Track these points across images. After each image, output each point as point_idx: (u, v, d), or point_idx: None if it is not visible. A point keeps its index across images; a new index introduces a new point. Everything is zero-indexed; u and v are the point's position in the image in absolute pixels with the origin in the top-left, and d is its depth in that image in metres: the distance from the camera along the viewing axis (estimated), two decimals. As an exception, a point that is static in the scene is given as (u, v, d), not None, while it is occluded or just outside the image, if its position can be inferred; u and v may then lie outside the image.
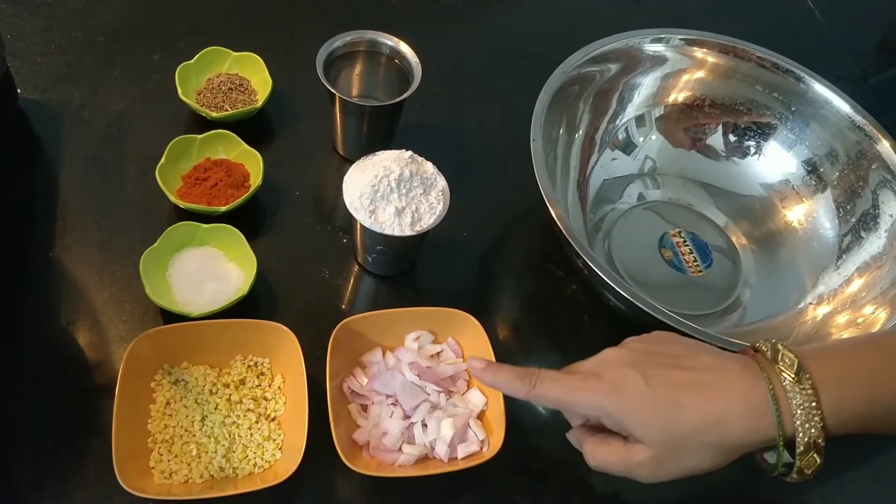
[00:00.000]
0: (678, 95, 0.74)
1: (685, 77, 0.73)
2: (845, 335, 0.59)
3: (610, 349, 0.46)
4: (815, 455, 0.41)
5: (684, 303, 0.67)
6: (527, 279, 0.70)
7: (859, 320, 0.60)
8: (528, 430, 0.59)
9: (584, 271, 0.59)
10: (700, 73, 0.73)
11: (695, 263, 0.70)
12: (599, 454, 0.46)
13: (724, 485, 0.59)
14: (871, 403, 0.41)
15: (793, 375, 0.41)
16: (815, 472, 0.42)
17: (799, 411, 0.40)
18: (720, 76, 0.73)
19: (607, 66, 0.70)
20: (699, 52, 0.73)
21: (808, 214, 0.71)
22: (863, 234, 0.67)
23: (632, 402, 0.42)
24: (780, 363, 0.42)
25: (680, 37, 0.72)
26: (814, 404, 0.40)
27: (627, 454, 0.44)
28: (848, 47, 0.99)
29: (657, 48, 0.72)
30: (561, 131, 0.68)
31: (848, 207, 0.68)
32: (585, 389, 0.43)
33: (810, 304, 0.65)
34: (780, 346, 0.42)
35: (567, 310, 0.67)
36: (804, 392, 0.40)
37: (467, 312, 0.58)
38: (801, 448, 0.41)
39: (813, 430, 0.40)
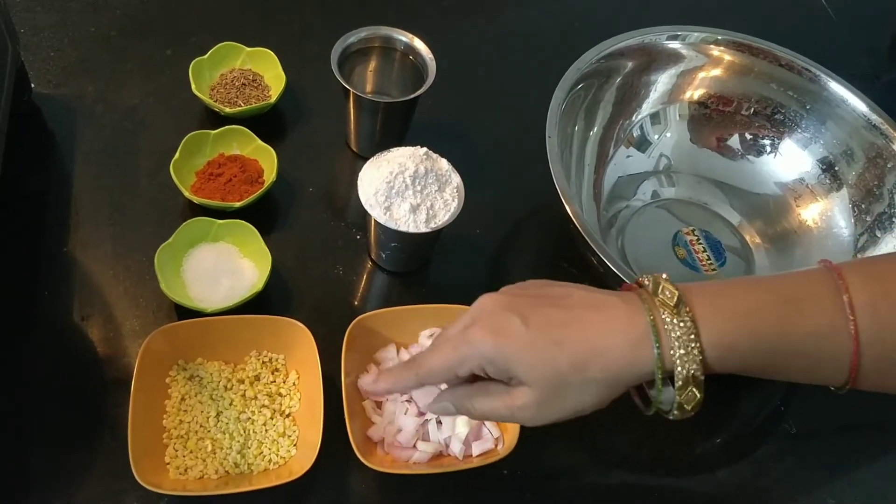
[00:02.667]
0: (693, 93, 0.74)
1: (701, 74, 0.73)
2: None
3: (486, 296, 0.44)
4: (694, 389, 0.40)
5: (697, 301, 0.67)
6: (540, 276, 0.69)
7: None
8: (542, 428, 0.58)
9: (598, 268, 0.58)
10: (716, 71, 0.73)
11: (708, 262, 0.70)
12: (481, 403, 0.44)
13: (732, 485, 0.59)
14: (753, 339, 0.40)
15: (672, 308, 0.40)
16: (696, 407, 0.41)
17: (677, 343, 0.39)
18: (736, 74, 0.73)
19: (623, 62, 0.70)
20: (715, 50, 0.72)
21: (823, 213, 0.70)
22: (878, 233, 0.66)
23: (513, 345, 0.41)
24: (661, 295, 0.41)
25: (696, 34, 0.72)
26: (692, 337, 0.39)
27: (510, 399, 0.42)
28: (861, 45, 0.98)
29: (673, 45, 0.71)
30: (576, 128, 0.68)
31: (864, 207, 0.68)
32: (467, 344, 0.42)
33: (825, 303, 0.65)
34: (661, 280, 0.42)
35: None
36: (683, 324, 0.40)
37: (480, 309, 0.58)
38: (681, 381, 0.40)
39: (691, 364, 0.40)
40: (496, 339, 0.41)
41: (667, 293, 0.40)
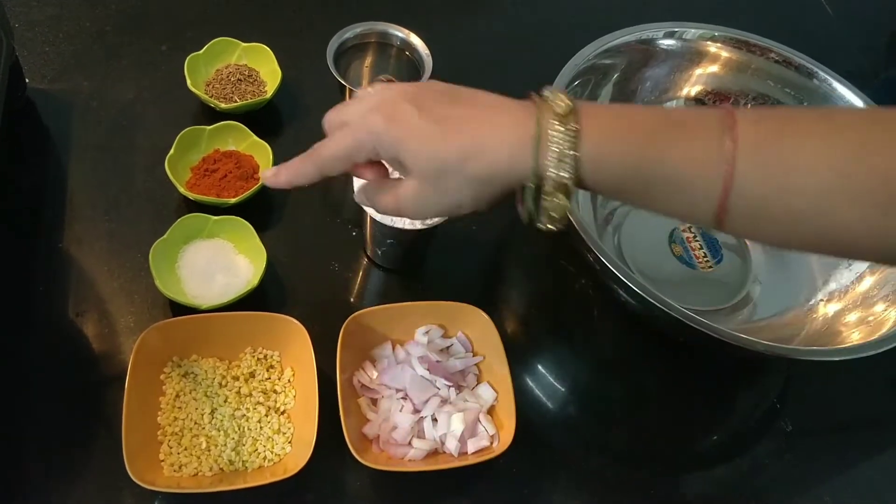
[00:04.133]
0: (690, 89, 0.73)
1: (698, 71, 0.73)
2: (856, 334, 0.59)
3: (392, 85, 0.45)
4: (561, 197, 0.41)
5: (694, 298, 0.67)
6: (536, 273, 0.69)
7: (870, 318, 0.60)
8: (538, 425, 0.59)
9: (594, 266, 0.58)
10: (713, 68, 0.73)
11: (705, 259, 0.70)
12: (374, 197, 0.46)
13: (728, 483, 0.59)
14: (630, 155, 0.41)
15: (562, 116, 0.40)
16: (561, 218, 0.42)
17: (556, 150, 0.40)
18: (732, 71, 0.72)
19: (620, 59, 0.70)
20: (712, 47, 0.72)
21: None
22: (875, 230, 0.66)
23: (403, 131, 0.42)
24: (554, 104, 0.41)
25: (693, 30, 0.71)
26: (572, 145, 0.40)
27: (395, 190, 0.44)
28: (858, 42, 0.98)
29: (670, 42, 0.71)
30: (572, 125, 0.68)
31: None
32: (362, 129, 0.43)
33: (821, 300, 0.65)
34: (560, 92, 0.42)
35: (576, 304, 0.67)
36: (567, 132, 0.40)
37: (476, 305, 0.58)
38: (549, 186, 0.41)
39: (564, 171, 0.40)
40: (388, 125, 0.42)
41: (560, 103, 0.41)
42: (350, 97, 0.66)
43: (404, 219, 0.57)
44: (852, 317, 0.61)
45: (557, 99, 0.41)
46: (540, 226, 0.43)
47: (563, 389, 0.62)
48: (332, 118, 0.46)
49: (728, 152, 0.39)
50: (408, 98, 0.43)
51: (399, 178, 0.45)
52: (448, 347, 0.59)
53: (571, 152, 0.40)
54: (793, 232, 0.41)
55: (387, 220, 0.57)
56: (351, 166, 0.46)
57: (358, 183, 0.58)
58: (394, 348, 0.58)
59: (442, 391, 0.56)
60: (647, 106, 0.44)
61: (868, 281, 0.63)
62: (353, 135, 0.44)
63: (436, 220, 0.58)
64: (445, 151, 0.41)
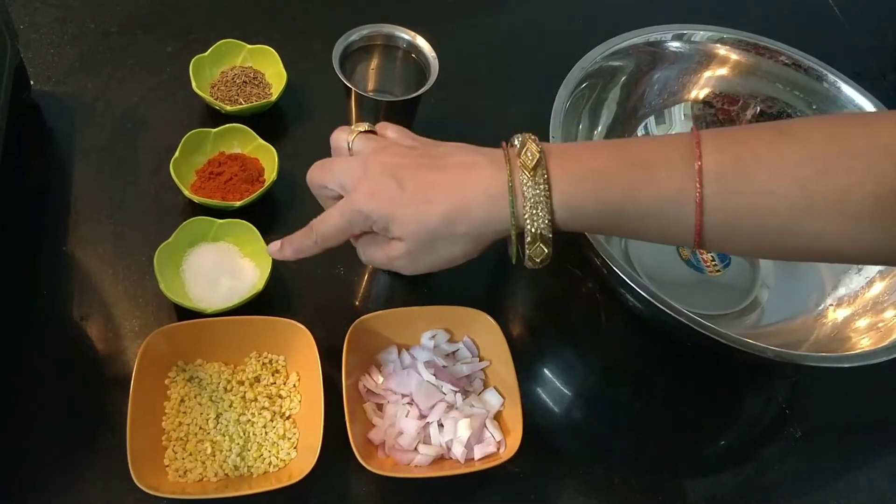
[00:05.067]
0: (699, 92, 0.73)
1: (706, 74, 0.72)
2: (866, 340, 0.58)
3: (371, 157, 0.48)
4: (542, 245, 0.45)
5: (701, 302, 0.66)
6: (542, 277, 0.69)
7: (880, 324, 0.59)
8: (545, 430, 0.59)
9: (601, 270, 0.58)
10: (721, 70, 0.72)
11: (713, 263, 0.69)
12: (368, 251, 0.50)
13: (735, 487, 0.59)
14: (600, 202, 0.43)
15: (531, 170, 0.43)
16: (545, 260, 0.46)
17: (530, 204, 0.43)
18: (741, 73, 0.72)
19: (628, 61, 0.69)
20: (721, 49, 0.71)
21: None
22: (885, 235, 0.66)
23: (389, 206, 0.45)
24: (523, 157, 0.44)
25: (701, 33, 0.71)
26: (545, 198, 0.43)
27: (388, 249, 0.48)
28: (867, 43, 0.98)
29: (678, 44, 0.71)
30: (580, 127, 0.67)
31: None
32: (350, 209, 0.47)
33: (830, 306, 0.65)
34: (528, 140, 0.45)
35: (583, 308, 0.67)
36: (537, 186, 0.43)
37: (482, 309, 0.57)
38: (529, 238, 0.44)
39: (540, 223, 0.43)
40: (374, 203, 0.46)
41: (528, 155, 0.44)
42: (355, 100, 0.65)
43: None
44: (862, 322, 0.61)
45: (526, 150, 0.44)
46: (526, 265, 0.47)
47: (569, 394, 0.62)
48: (315, 179, 0.50)
49: (696, 185, 0.42)
50: (387, 171, 0.46)
51: (386, 239, 0.48)
52: (454, 352, 0.58)
53: (545, 204, 0.43)
54: (768, 245, 0.44)
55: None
56: (346, 238, 0.50)
57: None
58: (399, 353, 0.58)
59: (448, 396, 0.55)
60: (612, 142, 0.48)
61: (878, 286, 0.63)
62: (342, 214, 0.47)
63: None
64: (431, 217, 0.45)
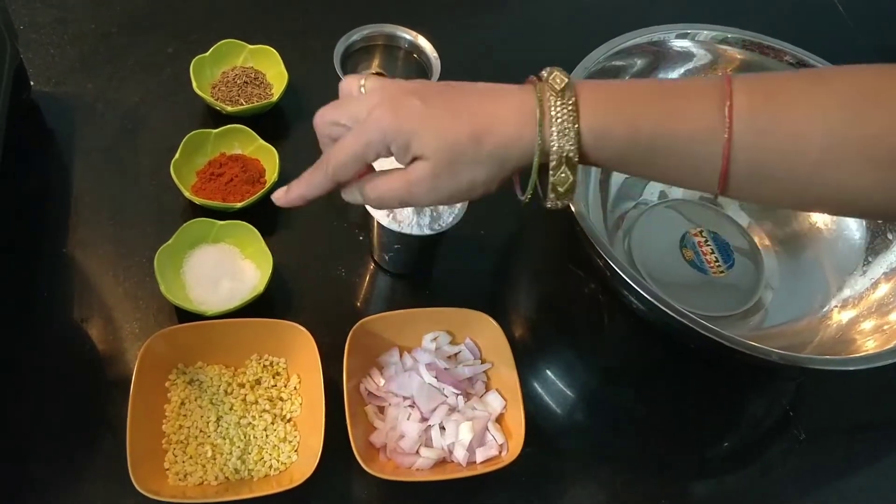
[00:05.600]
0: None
1: (710, 73, 0.72)
2: (871, 342, 0.58)
3: (389, 82, 0.45)
4: (567, 170, 0.42)
5: (705, 304, 0.66)
6: (545, 278, 0.69)
7: (885, 327, 0.59)
8: (548, 433, 0.58)
9: (604, 271, 0.57)
10: (726, 70, 0.72)
11: (716, 264, 0.69)
12: (380, 185, 0.45)
13: (740, 490, 0.59)
14: (629, 128, 0.42)
15: (559, 92, 0.42)
16: (569, 191, 0.43)
17: (557, 124, 0.41)
18: (745, 72, 0.71)
19: (631, 61, 0.69)
20: (725, 48, 0.71)
21: (835, 216, 0.69)
22: (890, 236, 0.65)
23: (413, 119, 0.42)
24: (551, 80, 0.42)
25: (706, 32, 0.70)
26: (572, 118, 0.41)
27: (407, 174, 0.44)
28: (872, 42, 0.97)
29: (683, 43, 0.70)
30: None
31: (875, 209, 0.67)
32: (370, 126, 0.43)
33: (834, 307, 0.64)
34: (556, 70, 0.43)
35: (586, 309, 0.66)
36: (565, 106, 0.41)
37: (484, 311, 0.57)
38: (554, 161, 0.42)
39: (567, 145, 0.41)
40: (397, 117, 0.42)
41: (557, 80, 0.42)
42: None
43: (412, 224, 0.56)
44: (867, 325, 0.60)
45: (554, 76, 0.42)
46: (548, 204, 0.44)
47: (572, 396, 0.61)
48: (326, 117, 0.46)
49: (726, 122, 0.40)
50: (409, 91, 0.43)
51: (399, 168, 0.44)
52: (456, 354, 0.58)
53: (573, 125, 0.41)
54: (794, 192, 0.42)
55: (394, 225, 0.56)
56: (362, 168, 0.45)
57: (372, 209, 0.57)
58: (401, 355, 0.57)
59: (450, 399, 0.55)
60: (643, 80, 0.45)
61: (884, 288, 0.62)
62: (362, 135, 0.43)
63: (445, 226, 0.57)
64: (458, 133, 0.42)
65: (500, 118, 0.42)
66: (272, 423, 0.53)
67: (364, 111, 0.43)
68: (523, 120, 0.42)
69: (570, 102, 0.41)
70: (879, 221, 0.66)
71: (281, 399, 0.55)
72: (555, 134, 0.41)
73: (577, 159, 0.42)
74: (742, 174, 0.41)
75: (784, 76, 0.43)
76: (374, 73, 0.47)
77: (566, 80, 0.42)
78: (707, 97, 0.41)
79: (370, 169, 0.46)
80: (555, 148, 0.42)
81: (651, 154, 0.42)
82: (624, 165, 0.44)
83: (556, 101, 0.42)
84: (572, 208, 0.57)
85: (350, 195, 0.47)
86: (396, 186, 0.44)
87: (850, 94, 0.40)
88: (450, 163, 0.43)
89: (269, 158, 0.65)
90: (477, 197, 0.45)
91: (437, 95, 0.43)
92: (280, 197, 0.48)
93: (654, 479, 0.58)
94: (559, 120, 0.41)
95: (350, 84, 0.47)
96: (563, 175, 0.42)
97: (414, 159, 0.43)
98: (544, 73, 0.43)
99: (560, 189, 0.43)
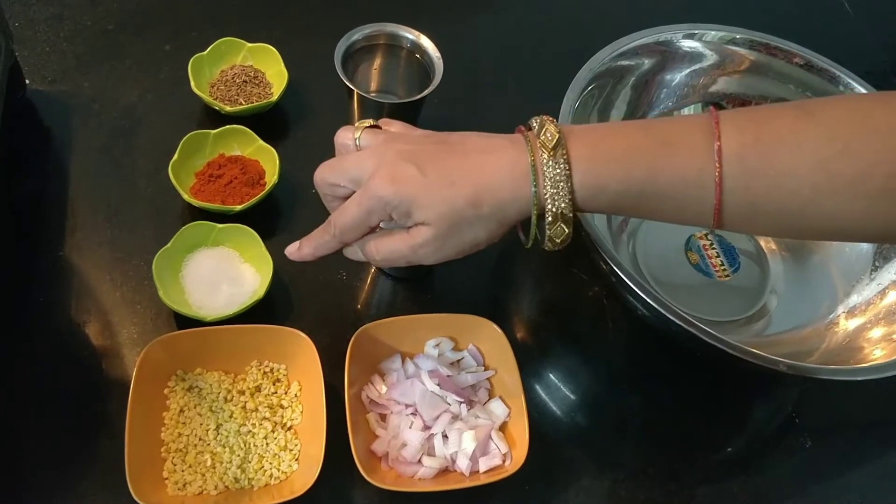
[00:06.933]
0: (710, 93, 0.71)
1: (717, 74, 0.71)
2: (878, 351, 0.57)
3: (384, 144, 0.47)
4: (562, 225, 0.44)
5: (709, 308, 0.65)
6: (548, 282, 0.68)
7: (894, 335, 0.58)
8: (552, 441, 0.57)
9: (609, 277, 0.57)
10: (733, 71, 0.70)
11: (722, 268, 0.68)
12: (384, 246, 0.47)
13: (745, 499, 0.58)
14: (622, 182, 0.43)
15: (551, 150, 0.43)
16: (565, 241, 0.46)
17: (550, 183, 0.43)
18: (753, 74, 0.70)
19: (637, 61, 0.68)
20: (731, 49, 0.70)
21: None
22: (898, 241, 0.64)
23: (412, 189, 0.44)
24: (542, 137, 0.43)
25: (712, 32, 0.69)
26: (565, 177, 0.43)
27: (411, 238, 0.46)
28: (880, 41, 0.96)
29: (689, 44, 0.69)
30: (588, 130, 0.66)
31: (884, 214, 0.66)
32: (370, 196, 0.45)
33: (841, 314, 0.63)
34: (547, 122, 0.44)
35: (590, 314, 0.66)
36: (557, 165, 0.43)
37: (487, 316, 0.56)
38: (550, 217, 0.44)
39: (561, 202, 0.43)
40: (395, 186, 0.44)
41: (548, 135, 0.43)
42: (358, 101, 0.64)
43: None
44: (875, 333, 0.59)
45: (545, 130, 0.44)
46: (545, 247, 0.46)
47: (576, 404, 0.60)
48: (325, 177, 0.48)
49: (716, 166, 0.42)
50: (405, 157, 0.44)
51: (404, 229, 0.46)
52: (459, 360, 0.57)
53: (566, 184, 0.43)
54: (789, 225, 0.44)
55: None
56: (367, 231, 0.48)
57: None
58: (403, 361, 0.57)
59: (453, 407, 0.54)
60: (631, 123, 0.47)
61: (892, 295, 0.61)
62: (360, 203, 0.45)
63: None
64: (458, 198, 0.44)
65: (496, 181, 0.44)
66: (272, 432, 0.53)
67: (363, 175, 0.45)
68: (518, 181, 0.44)
69: (562, 161, 0.43)
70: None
71: (281, 406, 0.54)
72: (548, 192, 0.43)
73: (571, 215, 0.44)
74: (735, 212, 0.43)
75: (772, 110, 0.44)
76: (367, 126, 0.48)
77: (557, 134, 0.43)
78: (696, 141, 0.42)
79: (375, 228, 0.48)
80: (549, 206, 0.43)
81: (644, 201, 0.44)
82: (618, 211, 0.46)
83: (548, 160, 0.43)
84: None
85: (355, 255, 0.50)
86: (402, 248, 0.46)
87: (839, 126, 0.41)
88: (451, 227, 0.45)
89: (268, 159, 0.64)
90: (483, 248, 0.47)
91: (432, 161, 0.44)
92: (293, 252, 0.51)
93: (659, 487, 0.57)
94: (552, 179, 0.43)
95: (345, 138, 0.49)
96: (559, 229, 0.45)
97: (416, 224, 0.45)
98: (535, 125, 0.45)
99: (557, 240, 0.45)
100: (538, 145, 0.43)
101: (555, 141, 0.43)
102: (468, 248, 0.46)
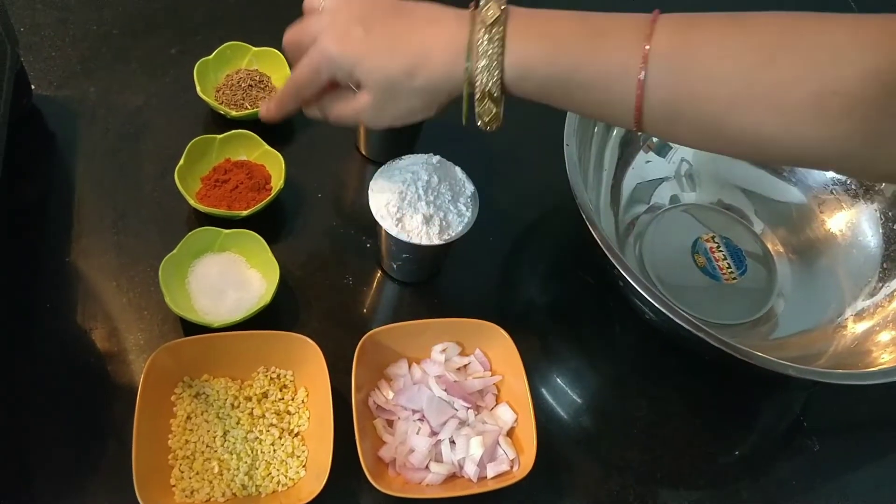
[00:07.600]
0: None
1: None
2: (887, 355, 0.56)
3: (336, 6, 0.48)
4: (490, 104, 0.45)
5: (715, 311, 0.65)
6: (554, 286, 0.68)
7: (903, 338, 0.58)
8: (559, 446, 0.57)
9: (617, 280, 0.56)
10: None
11: (728, 270, 0.68)
12: (334, 106, 0.51)
13: (753, 502, 0.58)
14: (551, 66, 0.43)
15: (488, 26, 0.43)
16: (493, 121, 0.46)
17: (483, 59, 0.43)
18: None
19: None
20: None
21: (849, 223, 0.68)
22: (907, 243, 0.64)
23: (355, 52, 0.46)
24: (483, 13, 0.44)
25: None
26: (497, 56, 0.43)
27: (355, 102, 0.49)
28: (885, 41, 0.95)
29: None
30: (595, 131, 0.66)
31: (892, 216, 0.65)
32: (318, 53, 0.47)
33: (849, 318, 0.63)
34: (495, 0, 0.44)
35: (596, 317, 0.65)
36: (492, 42, 0.43)
37: (493, 320, 0.56)
38: (478, 94, 0.45)
39: (490, 81, 0.44)
40: (340, 46, 0.46)
41: (489, 12, 0.43)
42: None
43: (421, 234, 0.55)
44: (884, 336, 0.59)
45: (488, 7, 0.44)
46: (479, 126, 0.47)
47: (583, 408, 0.60)
48: (290, 38, 0.51)
49: (641, 61, 0.41)
50: (355, 19, 0.46)
51: (351, 93, 0.49)
52: (466, 366, 0.57)
53: (497, 61, 0.43)
54: (706, 133, 0.43)
55: (403, 235, 0.55)
56: (319, 88, 0.50)
57: (374, 195, 0.56)
58: (410, 367, 0.57)
59: (460, 413, 0.54)
60: (576, 13, 0.46)
61: (901, 299, 0.61)
62: (311, 60, 0.48)
63: (454, 235, 0.56)
64: (393, 67, 0.45)
65: (433, 54, 0.45)
66: (280, 438, 0.52)
67: (315, 31, 0.48)
68: (453, 56, 0.44)
69: (497, 38, 0.43)
70: (893, 226, 0.65)
71: (288, 413, 0.54)
72: (479, 70, 0.44)
73: (498, 94, 0.44)
74: (656, 113, 0.42)
75: (710, 17, 0.43)
76: None
77: (498, 13, 0.43)
78: (627, 37, 0.42)
79: (333, 86, 0.50)
80: (478, 83, 0.44)
81: (569, 89, 0.44)
82: (546, 98, 0.45)
83: (484, 36, 0.43)
84: (582, 214, 0.56)
85: (311, 112, 0.53)
86: (346, 109, 0.50)
87: (768, 38, 0.40)
88: (386, 95, 0.47)
89: (274, 164, 0.64)
90: (419, 120, 0.48)
91: (379, 24, 0.46)
92: (263, 114, 0.54)
93: (666, 492, 0.57)
94: (485, 55, 0.43)
95: (312, 1, 0.51)
96: (486, 107, 0.45)
97: (357, 86, 0.48)
98: (483, 2, 0.45)
99: (485, 119, 0.46)
100: (478, 21, 0.44)
101: (493, 18, 0.43)
102: (405, 115, 0.48)
